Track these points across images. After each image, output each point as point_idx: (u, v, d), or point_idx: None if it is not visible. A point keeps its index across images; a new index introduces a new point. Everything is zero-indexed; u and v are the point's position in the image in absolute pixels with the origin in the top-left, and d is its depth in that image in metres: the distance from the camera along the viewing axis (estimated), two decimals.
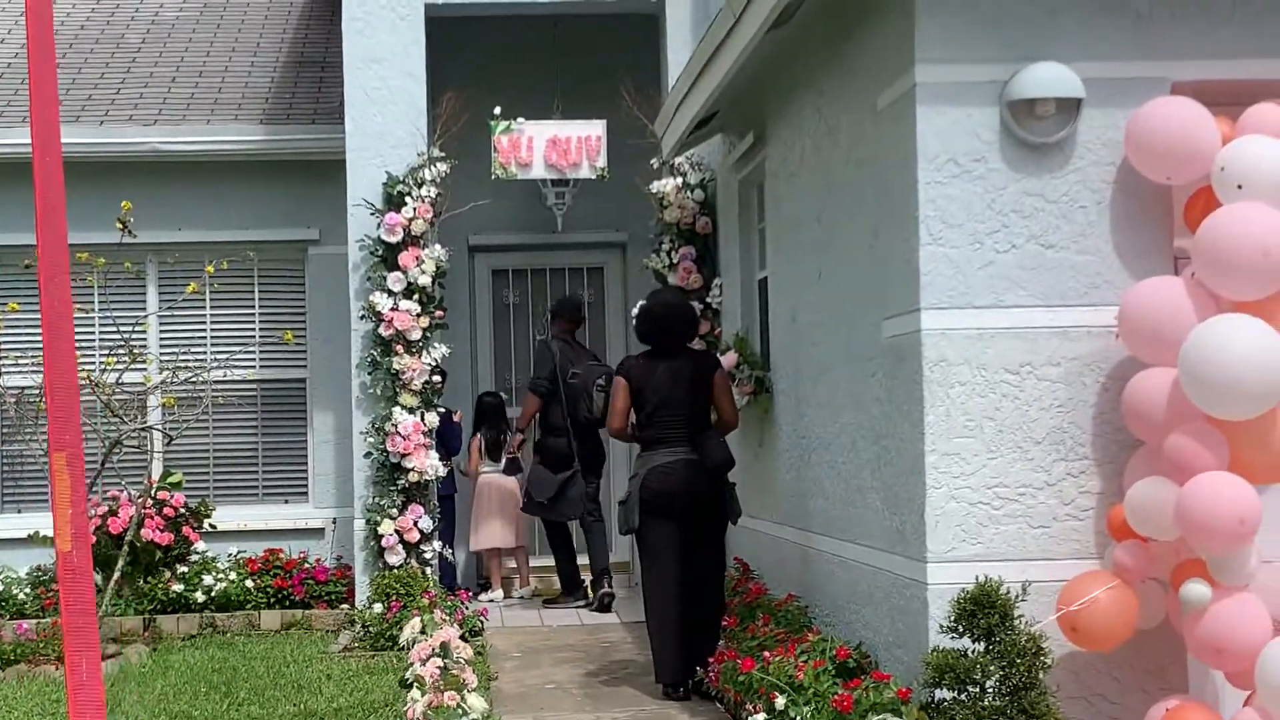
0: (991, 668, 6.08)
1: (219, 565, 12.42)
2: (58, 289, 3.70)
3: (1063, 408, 6.64)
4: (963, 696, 6.10)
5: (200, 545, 12.41)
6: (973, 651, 6.12)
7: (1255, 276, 5.97)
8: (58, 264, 3.67)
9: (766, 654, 7.81)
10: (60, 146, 3.52)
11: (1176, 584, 6.08)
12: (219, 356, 13.15)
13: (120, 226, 11.04)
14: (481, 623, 11.18)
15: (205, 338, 13.43)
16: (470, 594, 12.19)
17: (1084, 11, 6.69)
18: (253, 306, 13.49)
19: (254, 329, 13.49)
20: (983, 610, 6.13)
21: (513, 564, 13.35)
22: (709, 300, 11.75)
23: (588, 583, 12.60)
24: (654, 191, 12.11)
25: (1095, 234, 6.68)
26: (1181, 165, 6.37)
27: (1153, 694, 6.34)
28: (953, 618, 6.21)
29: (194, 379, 12.10)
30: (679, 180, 12.02)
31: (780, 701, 7.15)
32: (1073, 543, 6.60)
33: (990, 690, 6.08)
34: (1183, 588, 6.01)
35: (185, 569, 12.24)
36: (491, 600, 12.82)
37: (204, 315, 13.37)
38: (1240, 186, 6.06)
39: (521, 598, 13.18)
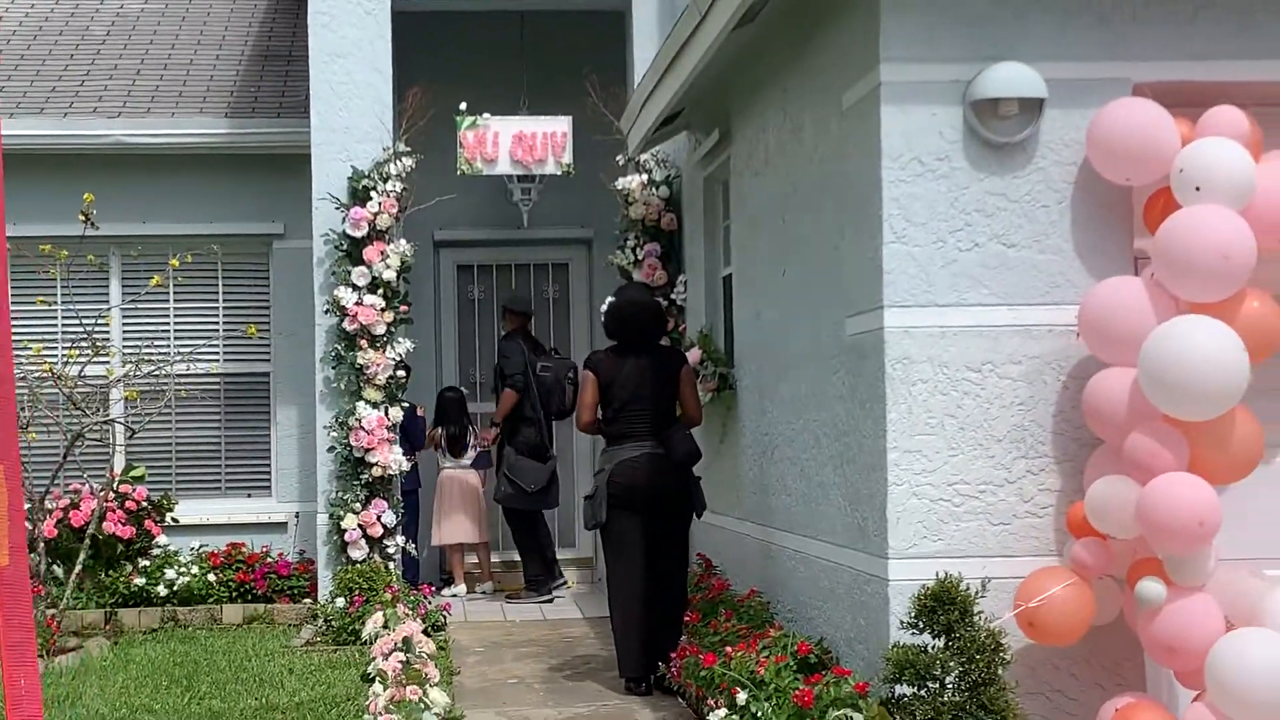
0: (951, 663, 6.10)
1: (181, 559, 12.42)
2: None
3: (1024, 406, 6.67)
4: (923, 692, 6.12)
5: (162, 539, 12.42)
6: (933, 647, 6.16)
7: (1214, 279, 6.00)
8: None
9: (728, 649, 7.81)
10: None
11: (1133, 582, 6.11)
12: (182, 350, 13.05)
13: (83, 219, 11.05)
14: (444, 617, 11.21)
15: (168, 331, 13.40)
16: (433, 589, 12.25)
17: (1047, 13, 6.71)
18: (216, 300, 13.47)
19: (218, 323, 13.47)
20: (943, 606, 6.16)
21: (475, 559, 13.39)
22: (674, 297, 11.77)
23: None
24: (619, 188, 12.13)
25: (1057, 233, 6.70)
26: (1141, 166, 6.41)
27: (1109, 690, 6.39)
28: (913, 614, 6.23)
29: (157, 372, 12.05)
30: (644, 177, 12.04)
31: (742, 697, 7.17)
32: (1032, 539, 6.62)
33: (950, 686, 6.10)
34: (1139, 586, 6.05)
35: (147, 562, 12.23)
36: (454, 595, 12.86)
37: (167, 309, 13.36)
38: (1199, 189, 6.08)
39: (484, 593, 13.21)
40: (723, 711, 7.36)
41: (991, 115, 6.63)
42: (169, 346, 13.20)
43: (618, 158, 12.10)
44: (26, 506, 10.78)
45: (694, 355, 10.31)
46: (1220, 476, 6.06)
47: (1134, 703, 6.17)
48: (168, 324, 13.42)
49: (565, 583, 12.81)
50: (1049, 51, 6.68)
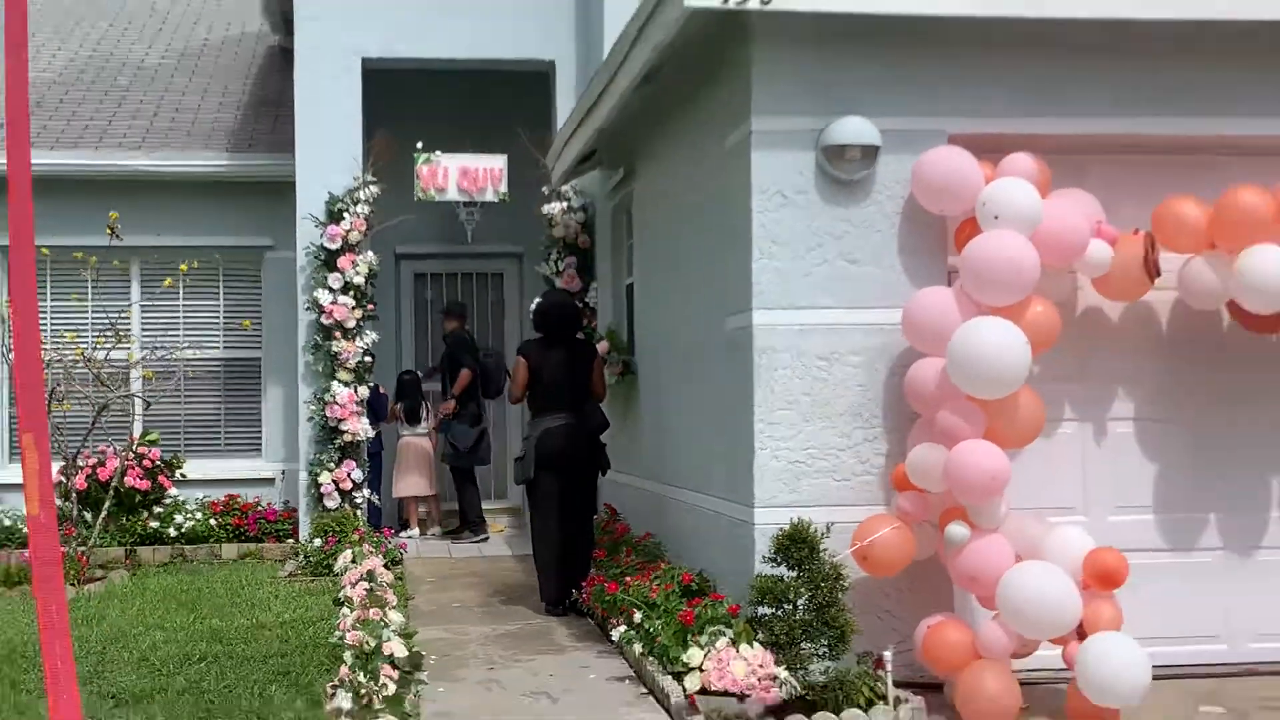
0: (802, 590, 6.13)
1: (188, 507, 12.35)
2: (27, 311, 3.66)
3: (861, 387, 6.74)
4: (779, 612, 6.15)
5: (173, 491, 12.34)
6: (788, 577, 6.18)
7: (1007, 288, 6.14)
8: (27, 293, 3.63)
9: (628, 579, 7.92)
10: (30, 173, 3.43)
11: (943, 525, 6.24)
12: (190, 338, 13.14)
13: (109, 232, 11.03)
14: (401, 554, 11.22)
15: (178, 323, 13.28)
16: (392, 531, 12.23)
17: (881, 79, 6.77)
18: (218, 299, 13.37)
19: (218, 317, 13.38)
20: (796, 545, 6.18)
21: (425, 508, 13.43)
22: (588, 300, 11.78)
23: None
24: (545, 213, 12.13)
25: (888, 252, 6.77)
26: (953, 200, 6.53)
27: (925, 611, 6.46)
28: (773, 551, 6.25)
29: (168, 357, 12.04)
30: (565, 204, 12.05)
31: (638, 616, 7.29)
32: (866, 493, 6.71)
33: (801, 607, 6.13)
34: (947, 529, 6.19)
35: (160, 510, 12.18)
36: (410, 536, 12.87)
37: (177, 305, 13.24)
38: (997, 217, 6.22)
39: (434, 535, 13.24)
40: (623, 628, 7.48)
41: (838, 159, 6.69)
42: (179, 336, 13.13)
43: (544, 188, 12.08)
44: (62, 464, 10.76)
45: (603, 347, 10.38)
46: (1010, 443, 6.19)
47: (943, 620, 6.31)
48: (178, 318, 13.28)
49: (485, 536, 12.94)
50: (883, 109, 6.72)
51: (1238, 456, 7.15)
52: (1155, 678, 5.94)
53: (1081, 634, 6.04)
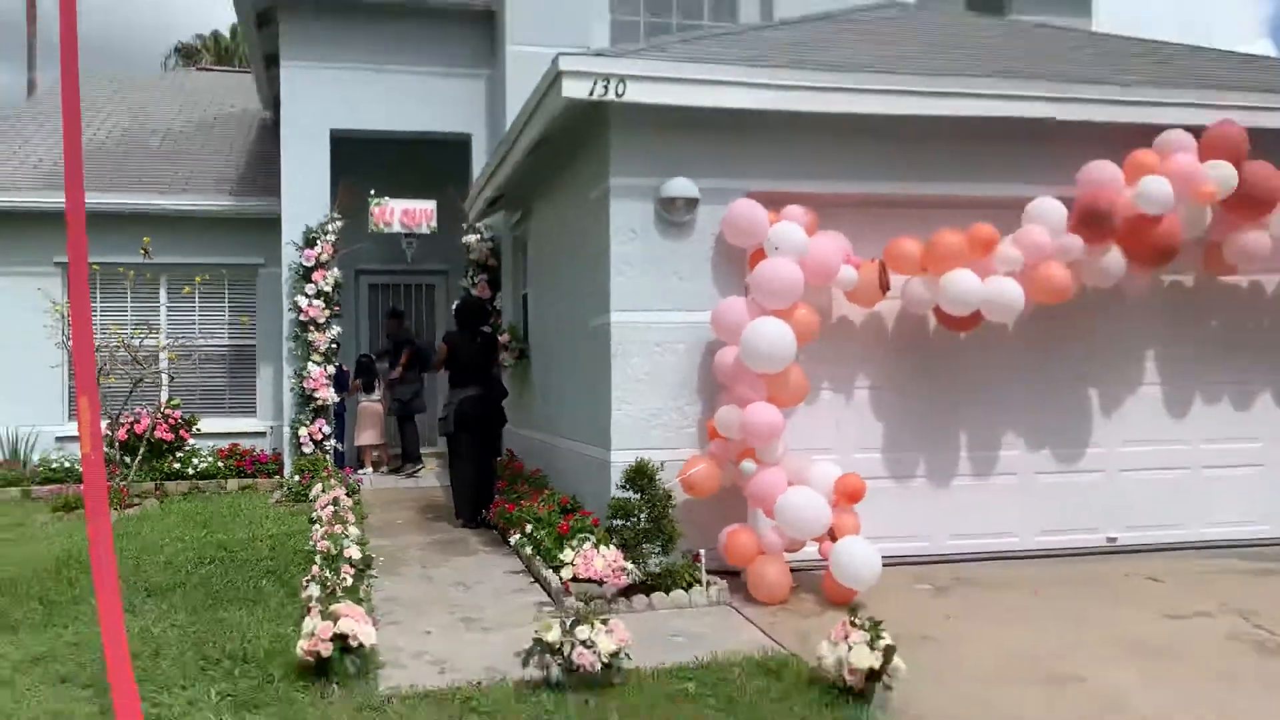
0: (644, 507, 6.29)
1: (201, 453, 12.05)
2: (81, 311, 3.65)
3: (685, 366, 6.82)
4: (627, 523, 6.30)
5: (191, 441, 12.03)
6: (634, 499, 6.32)
7: (782, 298, 6.27)
8: (81, 297, 3.61)
9: (523, 502, 7.94)
10: (84, 209, 3.40)
11: (739, 461, 6.36)
12: (203, 331, 12.86)
13: (143, 253, 10.83)
14: (359, 486, 11.06)
15: (194, 320, 12.91)
16: (352, 470, 12.10)
17: (700, 151, 6.83)
18: (224, 302, 12.98)
19: (224, 315, 13.01)
20: (640, 476, 6.34)
21: (378, 454, 13.27)
22: (496, 304, 11.77)
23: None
24: (465, 242, 12.02)
25: (704, 273, 6.85)
26: (749, 237, 6.63)
27: (728, 521, 6.58)
28: (623, 480, 6.39)
29: (187, 344, 11.84)
30: (479, 236, 11.95)
31: (529, 528, 7.33)
32: (688, 440, 6.79)
33: (643, 519, 6.29)
34: (742, 464, 6.32)
35: (181, 455, 11.86)
36: (365, 474, 12.72)
37: (194, 307, 12.85)
38: (777, 249, 6.36)
39: (384, 472, 13.06)
40: (518, 536, 7.51)
41: (670, 207, 6.76)
42: (194, 329, 12.82)
43: (464, 224, 11.98)
44: (105, 422, 10.45)
45: (504, 338, 10.42)
46: (784, 404, 6.34)
47: (739, 528, 6.44)
48: (194, 316, 12.90)
49: (423, 465, 12.87)
50: (701, 172, 6.80)
51: (937, 414, 7.37)
52: (884, 566, 6.14)
53: (833, 536, 6.21)
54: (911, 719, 4.24)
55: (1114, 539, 7.52)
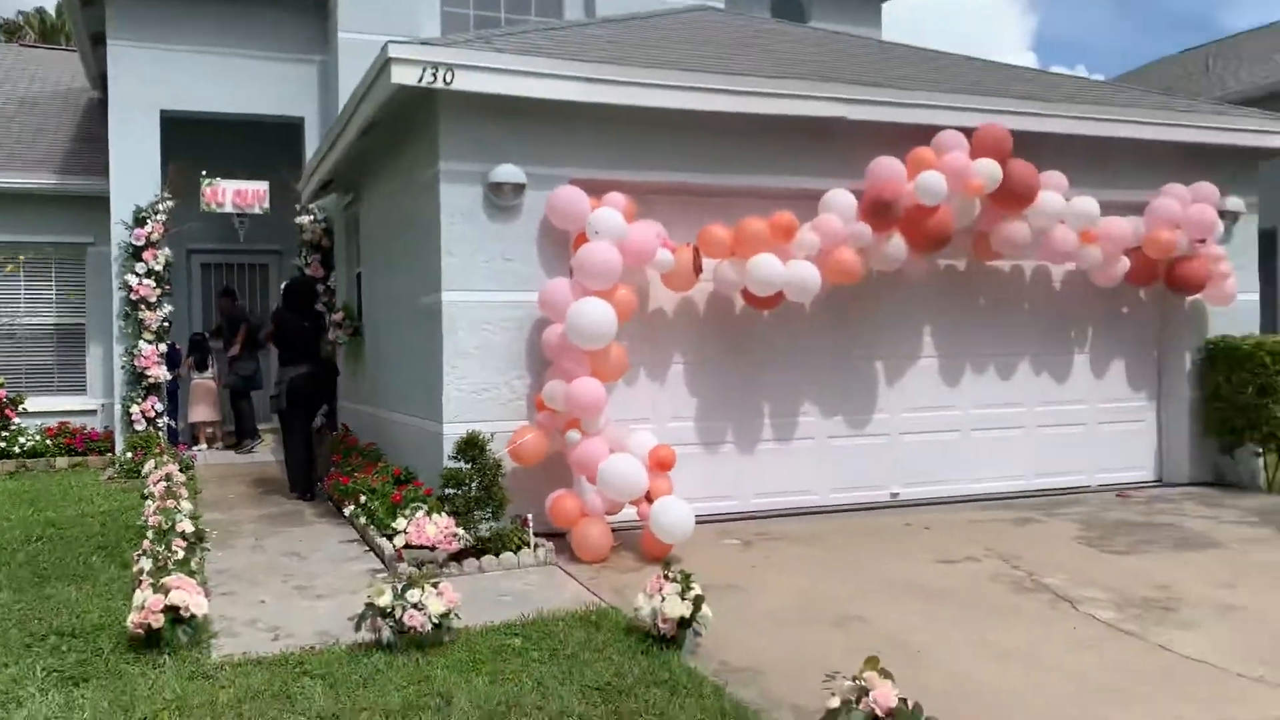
0: (474, 476, 6.24)
1: (29, 432, 11.30)
2: None
3: (514, 342, 6.77)
4: (459, 492, 6.24)
5: (16, 420, 11.30)
6: (465, 469, 6.26)
7: (603, 279, 6.31)
8: None
9: (357, 474, 7.78)
10: None
11: (565, 431, 6.40)
12: (29, 310, 11.98)
13: None
14: (193, 462, 10.64)
15: (20, 297, 12.06)
16: (186, 446, 11.58)
17: (526, 138, 6.78)
18: (51, 280, 12.16)
19: (52, 294, 12.18)
20: (471, 447, 6.29)
21: (211, 430, 12.67)
22: (330, 284, 11.41)
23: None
24: (297, 222, 11.55)
25: (531, 255, 6.80)
26: (572, 221, 6.63)
27: (554, 487, 6.60)
28: (455, 451, 6.32)
29: (11, 323, 11.05)
30: (311, 217, 11.50)
31: (363, 499, 7.18)
32: (517, 412, 6.75)
33: (474, 488, 6.24)
34: (568, 434, 6.35)
35: (6, 434, 11.11)
36: (200, 450, 12.15)
37: (20, 284, 12.03)
38: (598, 233, 6.39)
39: (218, 448, 12.52)
40: (352, 507, 7.34)
41: (498, 192, 6.69)
42: (19, 308, 11.96)
43: (296, 205, 11.51)
44: None
45: (338, 316, 10.10)
46: (606, 379, 6.39)
47: (564, 493, 6.46)
48: (19, 294, 12.07)
49: (261, 440, 12.37)
50: (528, 159, 6.76)
51: (744, 386, 7.58)
52: (696, 524, 6.30)
53: (650, 498, 6.31)
54: (717, 660, 4.38)
55: (897, 494, 7.94)
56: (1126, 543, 6.59)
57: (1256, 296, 9.07)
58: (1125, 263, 8.10)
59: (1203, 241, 8.18)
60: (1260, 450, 8.56)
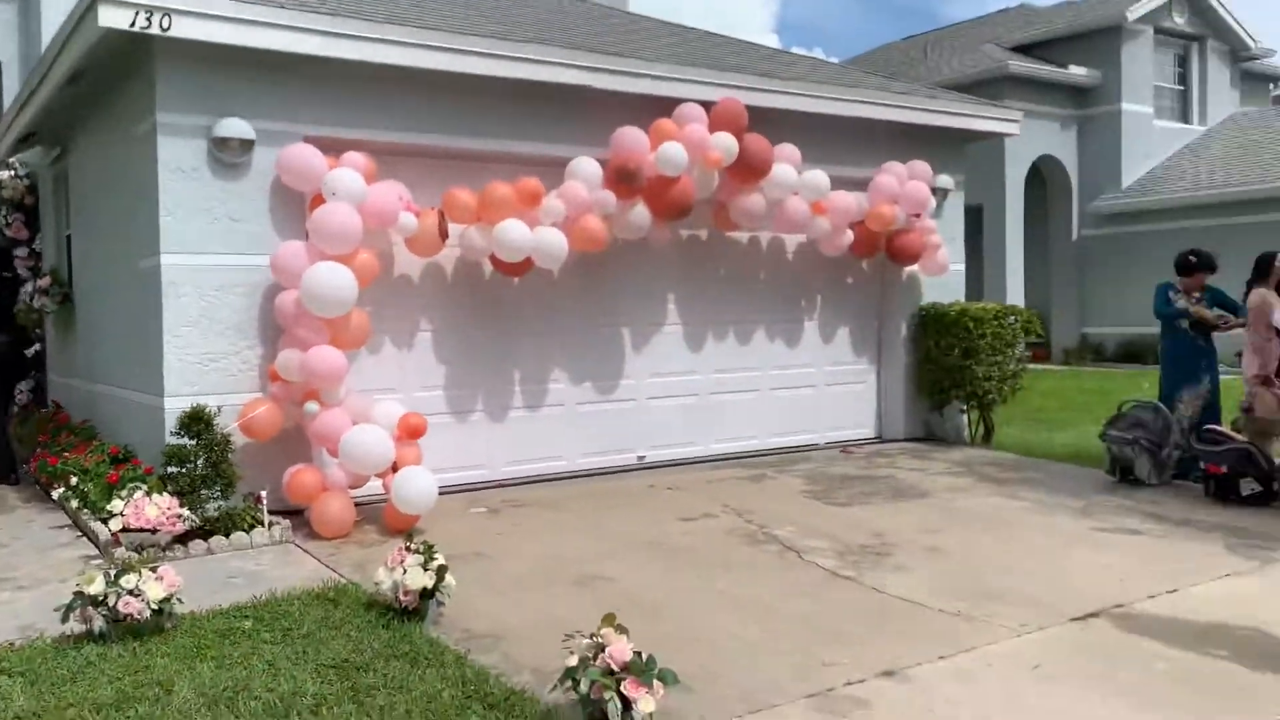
0: (200, 453, 5.92)
1: None
2: None
3: (244, 310, 6.43)
4: (183, 470, 5.91)
5: None
6: (189, 445, 5.93)
7: (341, 242, 6.08)
8: None
9: (67, 454, 7.19)
10: None
11: (302, 403, 6.16)
12: None
13: None
14: None
15: None
16: None
17: (256, 91, 6.41)
18: None
19: None
20: (195, 422, 5.96)
21: None
22: (34, 247, 10.37)
23: None
24: None
25: (262, 216, 6.46)
26: (306, 181, 6.35)
27: (291, 462, 6.32)
28: (178, 427, 5.96)
29: None
30: (12, 173, 10.40)
31: (74, 480, 6.64)
32: (249, 383, 6.42)
33: (200, 465, 5.92)
34: (306, 406, 6.13)
35: None
36: None
37: None
38: (335, 194, 6.15)
39: None
40: (62, 490, 6.77)
41: (224, 147, 6.32)
42: None
43: None
44: None
45: (45, 282, 9.18)
46: (346, 347, 6.20)
47: (302, 467, 6.23)
48: None
49: None
50: (257, 113, 6.41)
51: (494, 353, 7.55)
52: (444, 493, 6.24)
53: (396, 470, 6.16)
54: (460, 629, 4.36)
55: (643, 457, 8.17)
56: (848, 495, 7.10)
57: (963, 267, 9.96)
58: (850, 235, 8.67)
59: (918, 216, 8.87)
60: (964, 408, 9.45)
